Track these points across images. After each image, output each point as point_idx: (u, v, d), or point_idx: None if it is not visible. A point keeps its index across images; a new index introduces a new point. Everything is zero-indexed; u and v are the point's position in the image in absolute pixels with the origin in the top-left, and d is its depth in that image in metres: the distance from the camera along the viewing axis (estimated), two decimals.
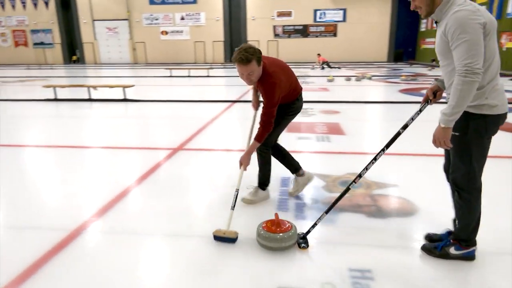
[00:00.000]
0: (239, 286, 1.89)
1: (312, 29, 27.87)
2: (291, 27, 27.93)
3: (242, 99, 8.73)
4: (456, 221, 2.07)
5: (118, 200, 2.98)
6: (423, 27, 26.08)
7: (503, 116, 1.85)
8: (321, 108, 7.29)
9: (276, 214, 2.28)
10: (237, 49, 2.38)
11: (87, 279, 1.96)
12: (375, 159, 2.14)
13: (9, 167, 4.08)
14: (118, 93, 8.77)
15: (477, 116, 1.80)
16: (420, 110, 2.04)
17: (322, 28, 27.75)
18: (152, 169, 3.75)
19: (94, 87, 8.83)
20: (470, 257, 2.04)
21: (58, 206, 2.99)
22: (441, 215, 2.40)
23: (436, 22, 1.88)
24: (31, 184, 3.51)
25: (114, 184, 3.39)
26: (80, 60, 29.60)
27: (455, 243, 2.04)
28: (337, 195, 2.23)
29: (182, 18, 28.35)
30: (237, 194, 2.50)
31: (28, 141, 5.27)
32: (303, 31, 27.98)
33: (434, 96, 2.04)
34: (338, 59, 26.54)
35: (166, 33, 28.75)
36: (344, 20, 27.27)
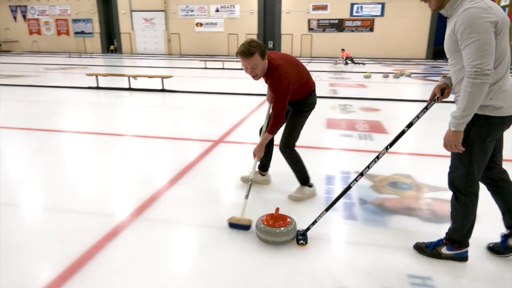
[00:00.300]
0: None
1: (348, 23, 27.21)
2: (326, 21, 27.39)
3: None
4: (451, 221, 2.02)
5: (167, 189, 3.03)
6: None
7: (509, 118, 1.76)
8: (360, 105, 7.11)
9: (276, 208, 2.27)
10: (241, 44, 2.41)
11: (140, 264, 2.01)
12: (377, 157, 2.12)
13: (56, 152, 4.26)
14: (156, 84, 8.94)
15: (481, 117, 1.73)
16: (427, 108, 1.99)
17: (358, 23, 27.03)
18: (196, 160, 3.79)
19: (134, 77, 9.04)
20: (463, 258, 2.01)
21: (106, 193, 3.08)
22: (499, 219, 2.27)
23: (446, 18, 1.79)
24: (80, 169, 3.63)
25: (159, 174, 3.45)
26: (117, 50, 30.46)
27: (447, 243, 2.01)
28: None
29: (217, 10, 28.47)
30: (251, 184, 2.62)
31: (76, 127, 5.48)
32: (338, 26, 27.38)
33: (441, 94, 1.97)
34: (374, 55, 25.82)
35: (201, 25, 29.01)
36: (382, 14, 26.42)
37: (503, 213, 2.05)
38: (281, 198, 2.87)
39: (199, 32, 29.22)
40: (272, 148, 3.04)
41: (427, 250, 2.07)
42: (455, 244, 1.99)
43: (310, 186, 2.88)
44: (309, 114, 2.79)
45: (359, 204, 2.79)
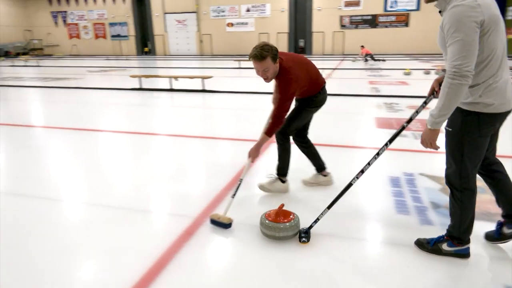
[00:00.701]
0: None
1: (381, 19, 26.48)
2: (359, 17, 26.80)
3: None
4: (450, 218, 2.02)
5: (228, 189, 3.07)
6: (509, 15, 23.50)
7: (502, 115, 1.75)
8: (407, 103, 6.90)
9: (281, 204, 2.32)
10: (254, 47, 2.48)
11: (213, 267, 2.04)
12: (378, 154, 2.14)
13: (110, 151, 4.41)
14: (195, 84, 9.09)
15: (471, 113, 1.74)
16: (425, 103, 1.99)
17: (393, 18, 26.23)
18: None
19: (176, 78, 9.24)
20: (464, 255, 2.00)
21: (176, 193, 3.15)
22: None
23: (440, 12, 1.78)
24: (144, 169, 3.75)
25: (221, 173, 3.49)
26: (151, 52, 31.26)
27: (448, 239, 2.01)
28: None
29: (248, 10, 28.57)
30: (240, 184, 2.62)
31: (127, 128, 5.67)
32: (371, 22, 26.72)
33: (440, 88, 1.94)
34: (409, 51, 24.99)
35: (232, 25, 29.21)
36: (417, 8, 25.51)
37: (498, 203, 2.08)
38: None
39: (230, 32, 29.44)
40: (312, 144, 3.03)
41: (427, 246, 2.07)
42: (455, 241, 1.99)
43: (283, 182, 2.94)
44: (316, 110, 2.85)
45: (432, 208, 2.70)
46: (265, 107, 7.53)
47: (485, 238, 2.17)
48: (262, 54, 2.41)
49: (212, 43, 29.99)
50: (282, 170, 2.92)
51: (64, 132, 5.35)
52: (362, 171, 2.18)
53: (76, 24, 32.58)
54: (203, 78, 8.95)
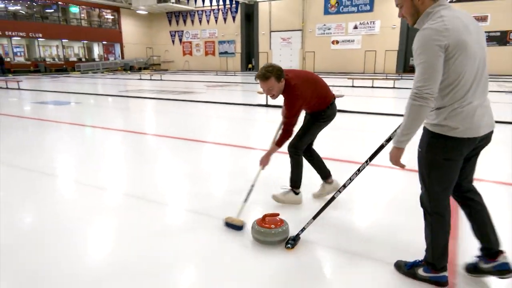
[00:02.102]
0: None
1: None
2: (485, 34, 23.89)
3: None
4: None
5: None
6: None
7: (469, 140, 1.71)
8: None
9: (277, 213, 2.49)
10: (260, 68, 2.68)
11: None
12: (358, 170, 2.19)
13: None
14: None
15: (437, 136, 1.74)
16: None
17: None
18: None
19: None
20: (440, 282, 1.92)
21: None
22: None
23: None
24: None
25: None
26: (255, 68, 32.43)
27: (424, 264, 1.98)
28: None
29: (355, 27, 27.79)
30: (251, 189, 2.82)
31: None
32: (500, 39, 23.63)
33: None
34: None
35: (337, 42, 28.71)
36: None
37: (475, 235, 1.97)
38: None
39: (334, 50, 28.97)
40: (317, 154, 3.14)
41: (404, 268, 2.05)
42: (430, 266, 1.94)
43: (297, 193, 3.05)
44: (326, 125, 2.96)
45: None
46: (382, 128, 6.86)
47: (465, 270, 2.04)
48: (266, 74, 2.62)
49: (314, 60, 29.86)
50: (295, 183, 3.04)
51: (195, 144, 5.43)
52: (344, 186, 2.27)
53: (190, 42, 35.63)
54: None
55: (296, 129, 2.84)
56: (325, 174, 3.12)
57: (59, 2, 30.14)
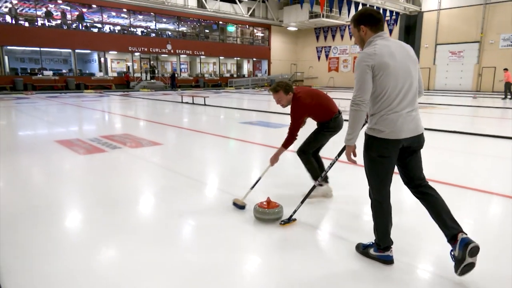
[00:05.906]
0: None
1: None
2: None
3: None
4: None
5: None
6: None
7: (394, 142, 2.12)
8: None
9: (267, 198, 3.10)
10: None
11: None
12: (331, 164, 2.90)
13: None
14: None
15: (371, 137, 2.17)
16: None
17: None
18: None
19: None
20: (386, 261, 2.30)
21: None
22: None
23: None
24: None
25: None
26: None
27: (374, 244, 2.35)
28: None
29: None
30: (259, 180, 3.47)
31: None
32: None
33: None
34: None
35: None
36: None
37: (436, 223, 2.22)
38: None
39: None
40: (322, 162, 3.65)
41: (360, 248, 2.44)
42: (377, 246, 2.32)
43: (321, 185, 3.43)
44: (331, 135, 3.50)
45: None
46: None
47: (455, 272, 2.12)
48: (276, 88, 3.37)
49: (495, 77, 24.89)
50: (315, 177, 3.41)
51: None
52: (321, 176, 3.09)
53: (337, 58, 34.17)
54: None
55: (305, 136, 3.51)
56: (317, 175, 3.38)
57: (220, 22, 32.23)
